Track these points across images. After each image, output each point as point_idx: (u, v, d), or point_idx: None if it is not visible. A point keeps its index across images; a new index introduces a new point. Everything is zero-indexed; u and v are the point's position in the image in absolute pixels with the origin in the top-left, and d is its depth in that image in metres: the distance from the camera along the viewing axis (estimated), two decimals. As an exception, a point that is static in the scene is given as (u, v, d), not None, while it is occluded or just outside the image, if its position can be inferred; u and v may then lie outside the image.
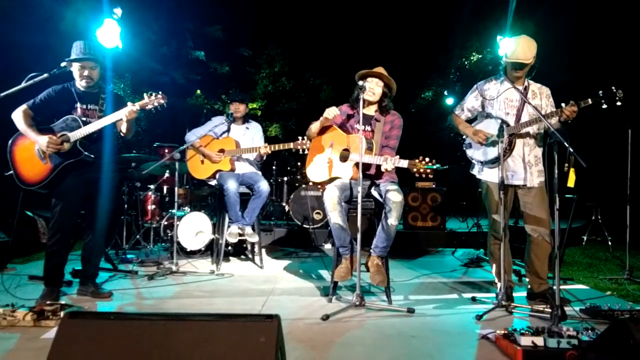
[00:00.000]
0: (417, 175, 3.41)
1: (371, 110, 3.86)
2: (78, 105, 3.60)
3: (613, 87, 3.20)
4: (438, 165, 3.37)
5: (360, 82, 3.59)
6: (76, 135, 3.50)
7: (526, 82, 3.61)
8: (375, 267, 3.53)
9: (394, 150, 3.78)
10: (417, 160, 3.41)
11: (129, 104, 3.58)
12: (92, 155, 3.55)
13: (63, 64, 3.36)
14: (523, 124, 3.47)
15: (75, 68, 3.55)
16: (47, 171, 3.48)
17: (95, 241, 3.71)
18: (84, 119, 3.55)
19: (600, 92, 3.23)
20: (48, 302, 3.17)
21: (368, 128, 3.83)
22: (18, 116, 3.47)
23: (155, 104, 3.66)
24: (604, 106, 3.23)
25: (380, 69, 3.80)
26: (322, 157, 3.91)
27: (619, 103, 3.19)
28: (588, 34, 8.87)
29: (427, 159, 3.39)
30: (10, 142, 3.51)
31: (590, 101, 3.25)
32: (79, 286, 3.73)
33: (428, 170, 3.38)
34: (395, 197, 3.47)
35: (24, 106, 3.49)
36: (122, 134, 3.71)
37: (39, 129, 3.48)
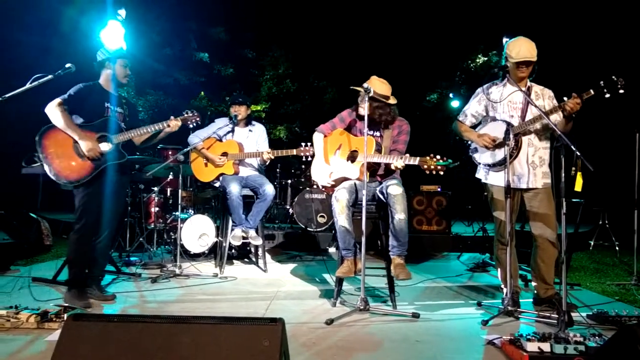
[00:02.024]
0: (427, 172, 3.35)
1: (381, 122, 3.79)
2: (107, 105, 3.61)
3: (613, 76, 3.17)
4: (450, 161, 3.30)
5: (366, 85, 3.55)
6: (120, 138, 3.53)
7: (529, 84, 3.59)
8: (398, 267, 3.48)
9: (402, 155, 3.74)
10: (427, 158, 3.35)
11: (172, 117, 3.74)
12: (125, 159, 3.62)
13: (68, 65, 3.32)
14: (528, 122, 3.44)
15: (119, 66, 3.63)
16: (89, 169, 3.44)
17: (106, 243, 3.71)
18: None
19: (602, 82, 3.20)
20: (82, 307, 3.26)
21: (377, 134, 3.81)
22: (56, 111, 3.40)
23: (194, 121, 3.87)
24: (607, 95, 3.19)
25: (373, 83, 3.69)
26: (329, 158, 3.90)
27: (621, 91, 3.15)
28: (596, 34, 8.85)
29: (437, 156, 3.33)
30: (38, 136, 3.39)
31: (592, 92, 3.22)
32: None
33: (439, 167, 3.31)
34: (395, 190, 3.44)
35: (58, 100, 3.43)
36: (140, 143, 3.79)
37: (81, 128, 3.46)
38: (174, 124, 3.70)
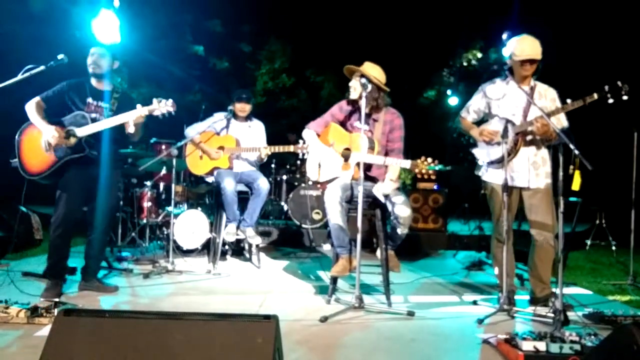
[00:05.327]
0: (419, 176, 3.33)
1: (367, 109, 3.68)
2: (89, 100, 3.63)
3: (619, 82, 3.16)
4: (441, 166, 3.29)
5: (365, 79, 3.51)
6: (82, 132, 3.50)
7: (532, 83, 3.56)
8: (393, 260, 3.65)
9: (401, 154, 3.67)
10: (419, 161, 3.30)
11: (138, 106, 3.58)
12: (96, 152, 3.57)
13: (60, 56, 3.28)
14: (529, 122, 3.42)
15: (88, 58, 3.64)
16: (50, 162, 3.50)
17: (101, 238, 3.75)
18: (93, 115, 3.58)
19: (606, 87, 3.19)
20: (50, 298, 3.22)
21: (366, 127, 3.69)
22: (31, 107, 3.52)
23: (164, 110, 3.64)
24: (610, 101, 3.18)
25: (365, 65, 3.69)
26: (323, 156, 3.84)
27: (625, 97, 3.15)
28: (595, 35, 8.85)
29: (429, 159, 3.28)
30: (18, 132, 3.55)
31: (596, 96, 3.20)
32: (82, 282, 3.74)
33: (430, 172, 3.28)
34: (403, 212, 3.45)
35: (37, 98, 3.55)
36: (129, 135, 3.68)
37: (49, 122, 3.53)
38: (139, 114, 3.51)
